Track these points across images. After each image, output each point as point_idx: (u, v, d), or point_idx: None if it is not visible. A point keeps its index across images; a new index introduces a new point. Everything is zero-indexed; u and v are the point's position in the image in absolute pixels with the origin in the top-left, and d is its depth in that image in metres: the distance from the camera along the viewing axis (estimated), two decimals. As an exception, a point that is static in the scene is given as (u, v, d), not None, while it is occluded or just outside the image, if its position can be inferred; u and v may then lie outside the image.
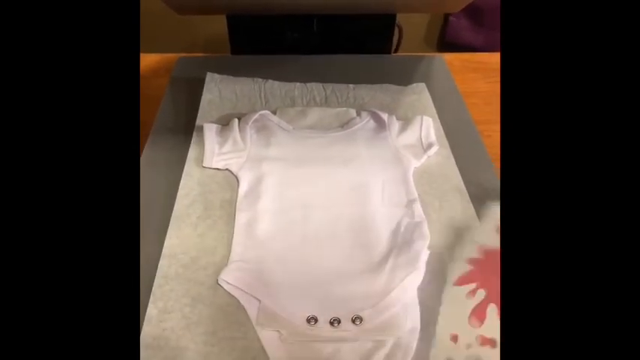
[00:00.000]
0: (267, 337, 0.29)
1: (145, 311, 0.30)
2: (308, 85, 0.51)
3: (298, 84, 0.51)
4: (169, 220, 0.36)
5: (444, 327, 0.30)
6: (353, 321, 0.30)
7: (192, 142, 0.43)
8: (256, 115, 0.44)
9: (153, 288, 0.32)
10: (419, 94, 0.50)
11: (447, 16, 0.94)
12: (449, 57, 0.61)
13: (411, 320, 0.30)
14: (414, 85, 0.51)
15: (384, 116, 0.45)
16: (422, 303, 0.31)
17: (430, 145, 0.43)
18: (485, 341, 0.29)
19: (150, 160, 0.42)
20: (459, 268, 0.33)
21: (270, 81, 0.51)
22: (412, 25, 0.71)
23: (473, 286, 0.32)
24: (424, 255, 0.34)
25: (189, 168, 0.41)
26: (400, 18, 0.59)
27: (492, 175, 0.40)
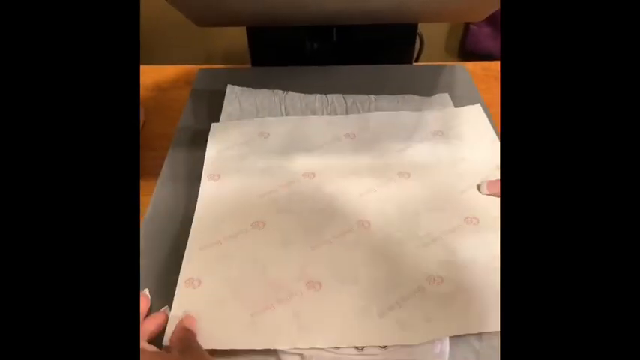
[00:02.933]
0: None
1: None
2: (329, 96, 0.50)
3: (319, 95, 0.50)
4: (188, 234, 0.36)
5: None
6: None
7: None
8: None
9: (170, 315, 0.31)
10: (442, 104, 0.49)
11: (467, 25, 0.92)
12: (471, 65, 0.60)
13: (440, 344, 0.29)
14: (437, 95, 0.50)
15: None
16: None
17: None
18: None
19: (171, 172, 0.42)
20: None
21: (290, 93, 0.51)
22: (432, 33, 0.70)
23: None
24: None
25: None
26: (420, 27, 0.58)
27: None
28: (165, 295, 0.32)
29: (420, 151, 0.42)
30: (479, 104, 0.48)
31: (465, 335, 0.29)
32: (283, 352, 0.29)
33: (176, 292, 0.31)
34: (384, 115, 0.47)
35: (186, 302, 0.31)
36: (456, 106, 0.49)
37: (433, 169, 0.41)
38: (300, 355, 0.29)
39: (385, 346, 0.29)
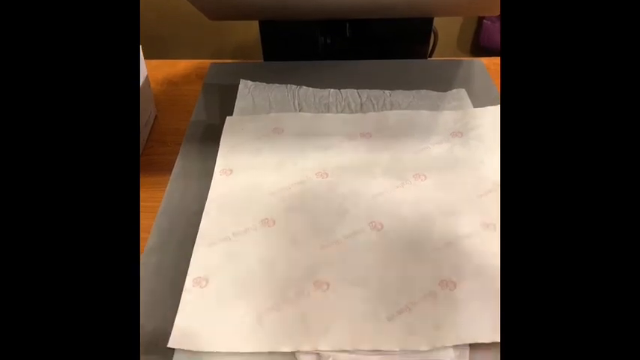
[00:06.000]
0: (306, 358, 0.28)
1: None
2: (343, 91, 0.50)
3: (332, 90, 0.50)
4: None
5: None
6: None
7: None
8: None
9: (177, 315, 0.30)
10: (459, 100, 0.48)
11: (480, 20, 0.91)
12: (486, 61, 0.59)
13: (459, 349, 0.28)
14: (454, 90, 0.49)
15: None
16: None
17: None
18: None
19: (184, 167, 0.41)
20: None
21: (303, 88, 0.50)
22: (445, 29, 0.69)
23: None
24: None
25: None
26: (434, 22, 0.57)
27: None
28: (177, 293, 0.31)
29: (437, 153, 0.41)
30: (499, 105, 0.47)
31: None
32: (300, 352, 0.28)
33: (183, 292, 0.31)
34: (401, 114, 0.46)
35: (192, 303, 0.31)
36: (473, 102, 0.48)
37: (450, 172, 0.40)
38: (317, 354, 0.28)
39: None
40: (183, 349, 0.28)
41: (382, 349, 0.28)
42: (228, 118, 0.45)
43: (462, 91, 0.49)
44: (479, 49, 0.93)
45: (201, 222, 0.36)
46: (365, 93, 0.49)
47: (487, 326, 0.29)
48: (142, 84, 0.46)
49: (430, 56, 0.63)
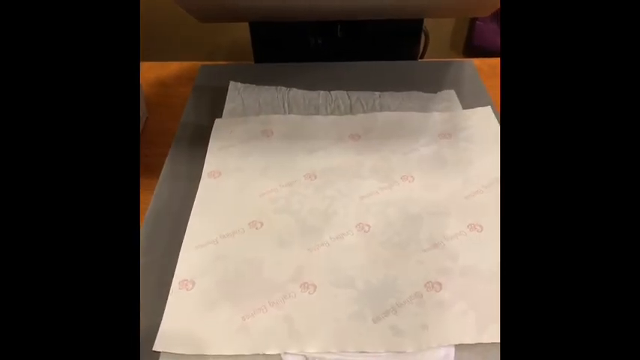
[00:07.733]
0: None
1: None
2: (332, 93, 0.50)
3: (322, 92, 0.50)
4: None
5: None
6: None
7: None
8: None
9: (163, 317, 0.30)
10: (448, 101, 0.48)
11: (473, 21, 0.92)
12: (477, 62, 0.59)
13: (444, 347, 0.28)
14: (444, 92, 0.49)
15: None
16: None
17: None
18: None
19: (173, 168, 0.41)
20: None
21: (293, 89, 0.50)
22: (437, 30, 0.69)
23: None
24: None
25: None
26: (425, 23, 0.57)
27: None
28: (163, 295, 0.31)
29: (425, 154, 0.42)
30: (489, 107, 0.47)
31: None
32: (286, 353, 0.28)
33: (169, 295, 0.31)
34: (390, 115, 0.46)
35: (179, 305, 0.31)
36: (462, 103, 0.48)
37: (438, 173, 0.40)
38: (304, 356, 0.28)
39: None
40: (168, 352, 0.28)
41: (368, 350, 0.28)
42: (216, 120, 0.45)
43: (451, 93, 0.49)
44: (471, 49, 0.94)
45: (189, 224, 0.36)
46: (354, 94, 0.49)
47: (473, 327, 0.29)
48: (132, 86, 0.46)
49: (422, 57, 0.63)
